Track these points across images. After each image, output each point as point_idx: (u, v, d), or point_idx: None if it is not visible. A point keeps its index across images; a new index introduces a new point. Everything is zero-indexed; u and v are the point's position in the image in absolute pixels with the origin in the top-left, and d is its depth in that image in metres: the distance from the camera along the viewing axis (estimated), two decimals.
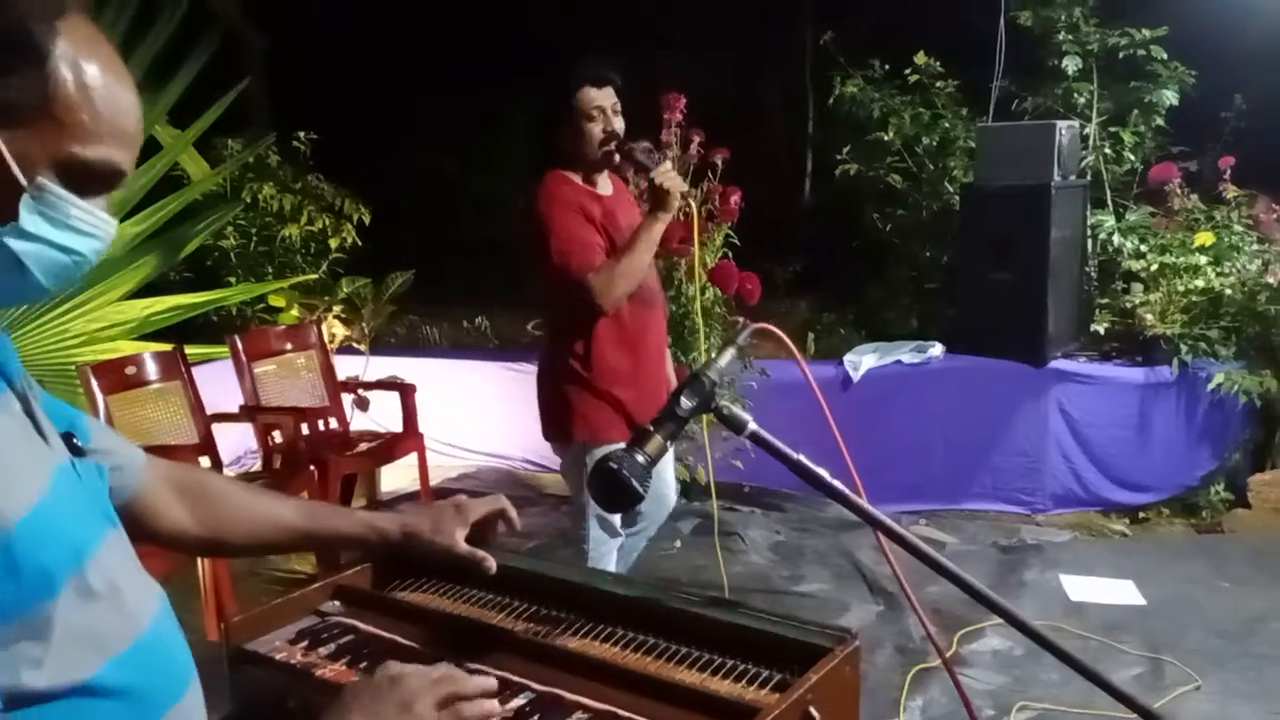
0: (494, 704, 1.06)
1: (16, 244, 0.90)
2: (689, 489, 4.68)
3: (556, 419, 2.92)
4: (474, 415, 5.41)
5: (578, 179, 2.85)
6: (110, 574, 0.97)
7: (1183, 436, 4.79)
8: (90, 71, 0.90)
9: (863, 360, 4.85)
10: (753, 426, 1.30)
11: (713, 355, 1.35)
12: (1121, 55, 5.34)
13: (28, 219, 0.89)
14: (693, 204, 2.95)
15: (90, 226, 0.93)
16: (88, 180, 0.92)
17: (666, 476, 3.17)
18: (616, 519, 2.92)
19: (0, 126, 0.87)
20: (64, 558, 0.92)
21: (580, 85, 2.79)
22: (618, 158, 2.81)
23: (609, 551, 2.95)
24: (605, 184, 2.92)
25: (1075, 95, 5.45)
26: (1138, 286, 5.02)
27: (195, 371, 4.15)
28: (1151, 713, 1.30)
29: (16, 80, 0.87)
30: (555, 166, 2.85)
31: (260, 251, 6.01)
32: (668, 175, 2.72)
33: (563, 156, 2.85)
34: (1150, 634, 3.44)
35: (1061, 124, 4.83)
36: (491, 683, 1.06)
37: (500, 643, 1.28)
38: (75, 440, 1.06)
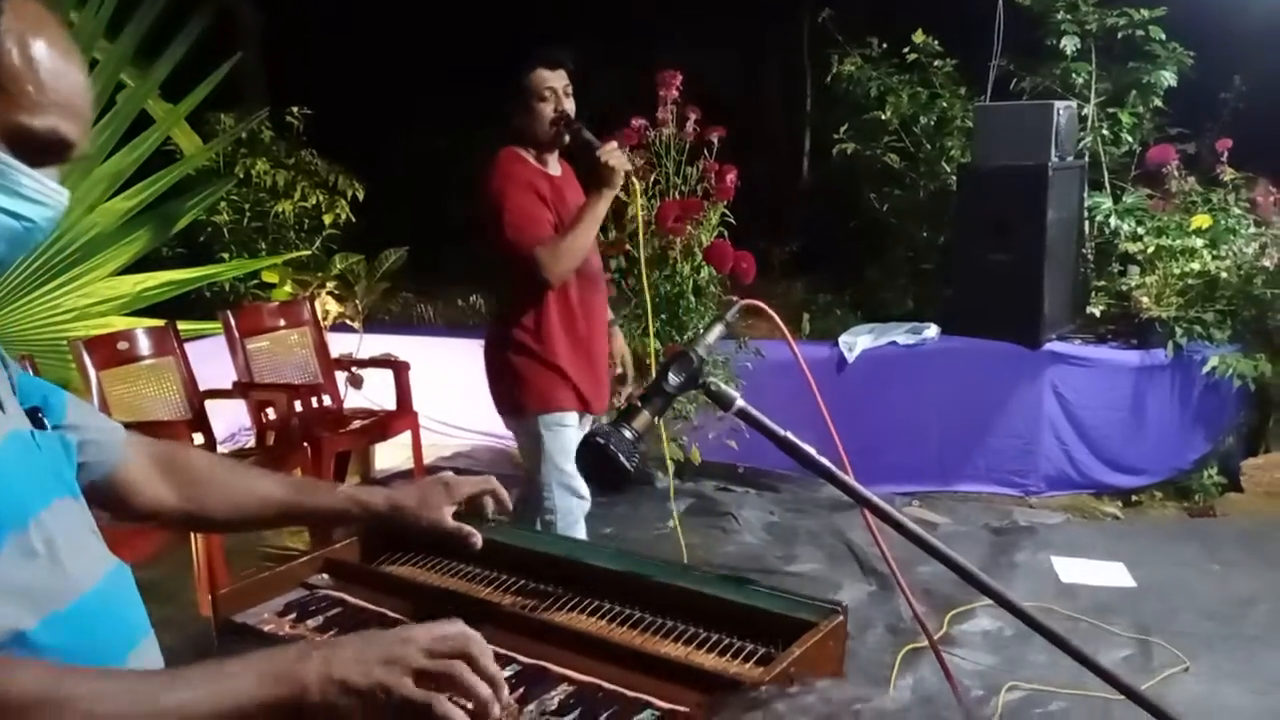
0: (490, 691, 0.97)
1: None
2: (682, 469, 4.69)
3: (508, 391, 3.03)
4: (468, 394, 5.36)
5: (530, 157, 2.95)
6: (53, 537, 1.00)
7: (1177, 420, 4.80)
8: (36, 46, 0.94)
9: (858, 341, 4.85)
10: (740, 403, 1.29)
11: (700, 331, 1.34)
12: (1120, 35, 5.31)
13: None
14: (635, 182, 3.01)
15: (41, 195, 0.97)
16: (37, 150, 0.96)
17: None
18: (580, 482, 2.97)
19: None
20: (6, 513, 0.96)
21: (534, 67, 2.90)
22: (567, 137, 2.89)
23: (578, 520, 3.00)
24: (555, 165, 3.02)
25: (1073, 75, 5.43)
26: (1134, 269, 5.02)
27: (188, 347, 4.15)
28: (1138, 694, 1.30)
29: None
30: (510, 144, 2.95)
31: (253, 227, 6.00)
32: (613, 154, 2.80)
33: (518, 135, 2.95)
34: (1140, 616, 3.45)
35: (1059, 104, 4.81)
36: (486, 691, 0.97)
37: (487, 615, 1.27)
38: (41, 415, 1.10)
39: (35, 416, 1.09)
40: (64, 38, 0.98)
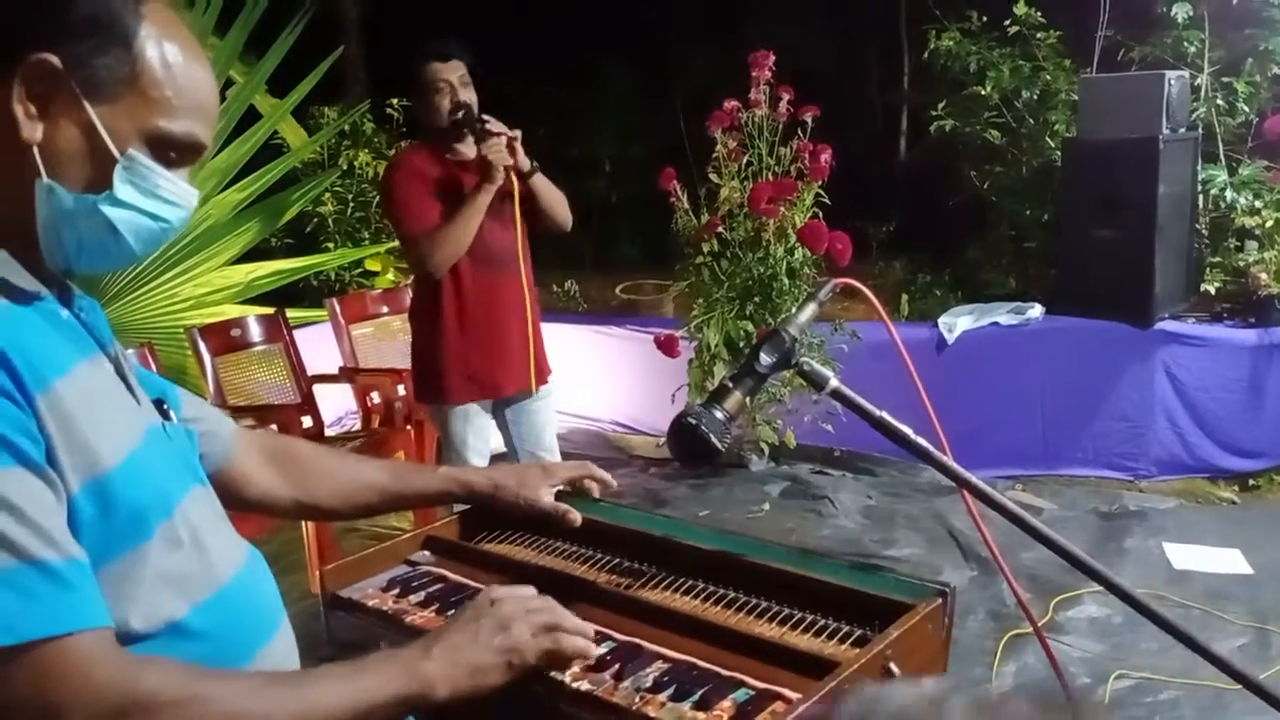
0: (590, 644, 1.10)
1: (111, 211, 0.98)
2: (777, 452, 4.67)
3: (415, 379, 3.18)
4: (563, 377, 5.45)
5: (433, 150, 3.02)
6: (195, 525, 1.04)
7: None
8: (171, 51, 0.98)
9: (958, 322, 4.75)
10: (835, 383, 1.28)
11: (793, 310, 1.33)
12: (1235, 1, 5.06)
13: (120, 187, 0.97)
14: (515, 180, 3.01)
15: (175, 196, 1.01)
16: (172, 152, 1.00)
17: (548, 443, 3.27)
18: None
19: (94, 102, 0.95)
20: (155, 503, 0.99)
21: (426, 61, 2.96)
22: (465, 129, 2.95)
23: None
24: (470, 152, 3.04)
25: (1185, 44, 5.20)
26: (1251, 244, 4.81)
27: (296, 334, 4.28)
28: (1255, 683, 1.25)
29: (107, 60, 0.95)
30: (418, 138, 3.08)
31: (357, 217, 6.15)
32: (492, 148, 2.88)
33: (424, 129, 3.06)
34: (1257, 603, 3.32)
35: (1170, 74, 4.62)
36: (589, 628, 1.11)
37: (583, 593, 1.30)
38: (165, 406, 1.14)
39: (160, 409, 1.13)
40: (194, 40, 1.02)
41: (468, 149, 3.05)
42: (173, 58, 0.98)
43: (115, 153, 0.96)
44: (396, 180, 2.99)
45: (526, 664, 1.04)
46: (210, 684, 0.92)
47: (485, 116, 2.94)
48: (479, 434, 3.13)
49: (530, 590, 1.11)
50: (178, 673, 0.92)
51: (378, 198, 6.01)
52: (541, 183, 3.08)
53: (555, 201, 3.13)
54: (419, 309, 3.13)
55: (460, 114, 2.93)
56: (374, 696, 0.97)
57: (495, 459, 3.30)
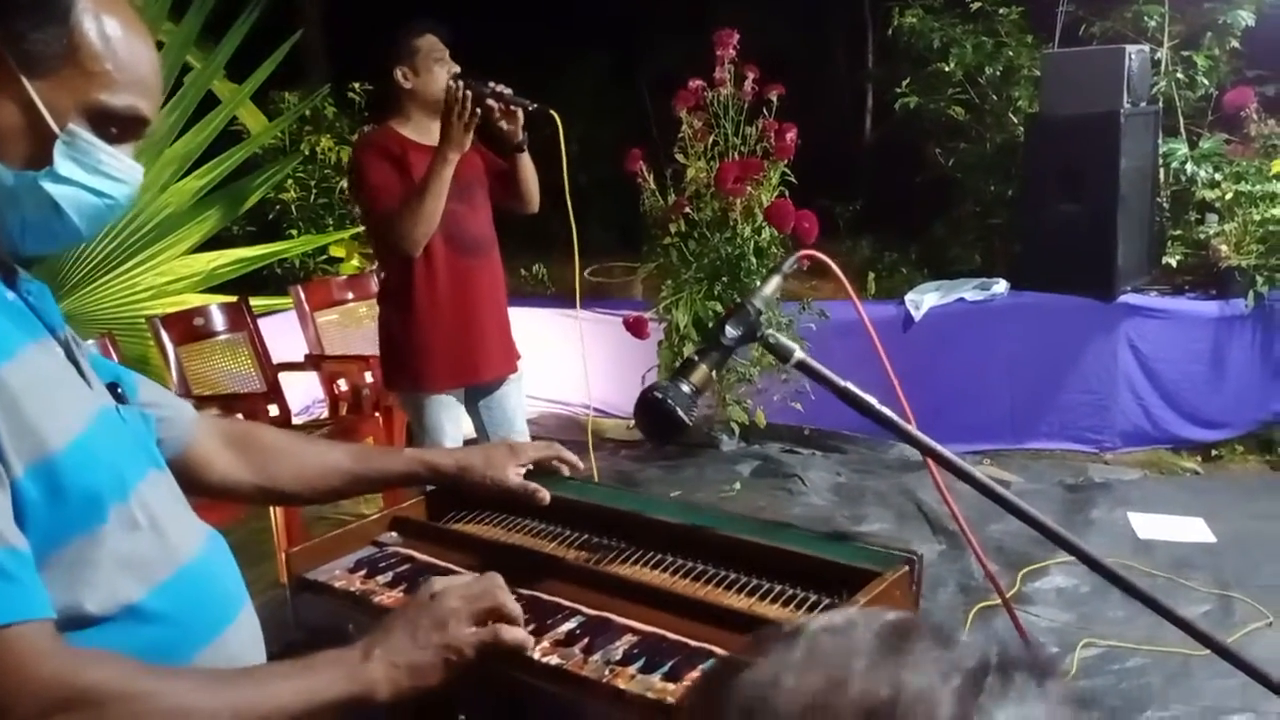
0: (527, 636, 1.08)
1: (52, 187, 0.96)
2: (747, 431, 4.68)
3: (387, 366, 3.11)
4: (532, 362, 5.42)
5: (405, 131, 2.97)
6: (152, 508, 1.03)
7: (1258, 371, 4.65)
8: (110, 24, 0.97)
9: (924, 299, 4.78)
10: (799, 355, 1.28)
11: (758, 284, 1.33)
12: None
13: (61, 164, 0.95)
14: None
15: (119, 171, 1.00)
16: (114, 127, 0.98)
17: (520, 427, 3.26)
18: None
19: (32, 78, 0.93)
20: (108, 486, 0.98)
21: (423, 32, 2.93)
22: (468, 93, 2.79)
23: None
24: (435, 134, 2.92)
25: (1146, 19, 5.24)
26: (1212, 217, 4.85)
27: (260, 322, 4.24)
28: (1221, 645, 1.27)
29: (43, 34, 0.93)
30: (388, 120, 3.00)
31: (320, 203, 6.08)
32: (508, 116, 2.86)
33: (398, 107, 2.99)
34: (1220, 571, 3.37)
35: (1131, 49, 4.65)
36: (520, 614, 1.09)
37: (552, 569, 1.29)
38: (119, 389, 1.12)
39: (115, 392, 1.11)
40: (134, 15, 1.00)
41: (436, 129, 2.96)
42: (111, 31, 0.96)
43: (55, 128, 0.94)
44: (365, 160, 2.91)
45: (466, 659, 1.03)
46: (155, 680, 0.91)
47: (497, 85, 2.85)
48: (454, 421, 3.08)
49: (468, 576, 1.10)
50: (122, 667, 0.90)
51: (343, 183, 5.96)
52: (525, 160, 3.03)
53: (532, 180, 3.09)
54: (390, 294, 3.06)
55: (472, 81, 2.82)
56: (318, 697, 0.97)
57: (466, 444, 3.28)
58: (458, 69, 2.90)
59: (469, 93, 2.76)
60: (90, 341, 1.07)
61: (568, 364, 5.05)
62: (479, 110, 2.77)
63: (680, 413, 1.22)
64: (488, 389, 3.15)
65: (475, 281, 3.03)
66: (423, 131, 2.97)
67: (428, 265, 2.93)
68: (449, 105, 2.76)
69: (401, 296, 2.98)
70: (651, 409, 1.23)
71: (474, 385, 3.11)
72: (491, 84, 2.84)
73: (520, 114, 2.91)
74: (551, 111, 2.87)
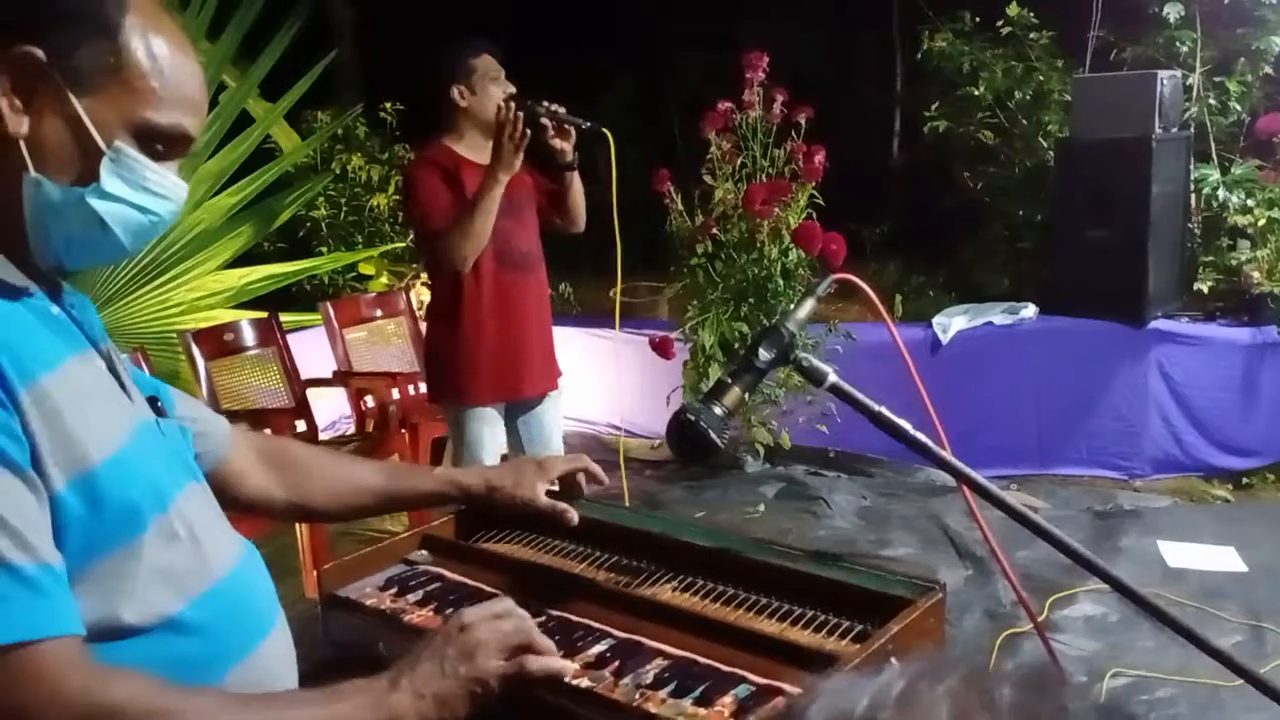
0: (561, 664, 1.07)
1: (98, 204, 0.97)
2: (772, 453, 4.66)
3: (431, 378, 3.14)
4: (562, 380, 5.45)
5: (459, 148, 3.00)
6: (190, 521, 1.03)
7: None
8: (157, 42, 0.97)
9: (952, 322, 4.75)
10: (833, 378, 1.28)
11: (791, 307, 1.33)
12: (1227, 1, 5.08)
13: (108, 180, 0.96)
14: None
15: (164, 189, 1.00)
16: (160, 144, 0.99)
17: (556, 445, 3.29)
18: None
19: (79, 94, 0.94)
20: (147, 498, 0.98)
21: (479, 51, 2.97)
22: (520, 114, 2.83)
23: None
24: (488, 153, 2.96)
25: (1178, 44, 5.21)
26: (1244, 243, 4.81)
27: (290, 338, 4.28)
28: (1256, 676, 1.25)
29: (91, 51, 0.94)
30: (441, 137, 3.02)
31: (350, 221, 6.14)
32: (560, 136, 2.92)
33: (452, 124, 3.02)
34: (1252, 601, 3.32)
35: (1163, 74, 4.63)
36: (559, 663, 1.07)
37: (582, 591, 1.29)
38: (159, 403, 1.13)
39: (154, 405, 1.12)
40: (180, 32, 1.01)
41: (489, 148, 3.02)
42: (158, 49, 0.97)
43: (102, 145, 0.95)
44: (419, 177, 2.95)
45: (492, 692, 1.02)
46: (179, 699, 0.91)
47: (551, 104, 2.90)
48: (494, 436, 3.11)
49: (501, 607, 1.08)
50: (147, 686, 0.90)
51: (373, 201, 6.02)
52: (575, 179, 3.07)
53: (580, 199, 3.13)
54: (439, 308, 3.09)
55: (526, 101, 2.88)
56: None
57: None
58: (513, 89, 2.95)
59: (520, 113, 2.81)
60: (124, 355, 1.09)
61: (594, 383, 5.07)
62: (529, 130, 2.81)
63: (713, 435, 1.22)
64: (528, 405, 3.17)
65: (522, 297, 3.07)
66: (476, 149, 3.01)
67: (476, 280, 2.97)
68: (500, 126, 2.80)
69: (449, 310, 3.02)
70: (684, 431, 1.23)
71: (516, 400, 3.13)
72: (545, 103, 2.88)
73: (573, 133, 2.94)
74: (604, 131, 2.90)
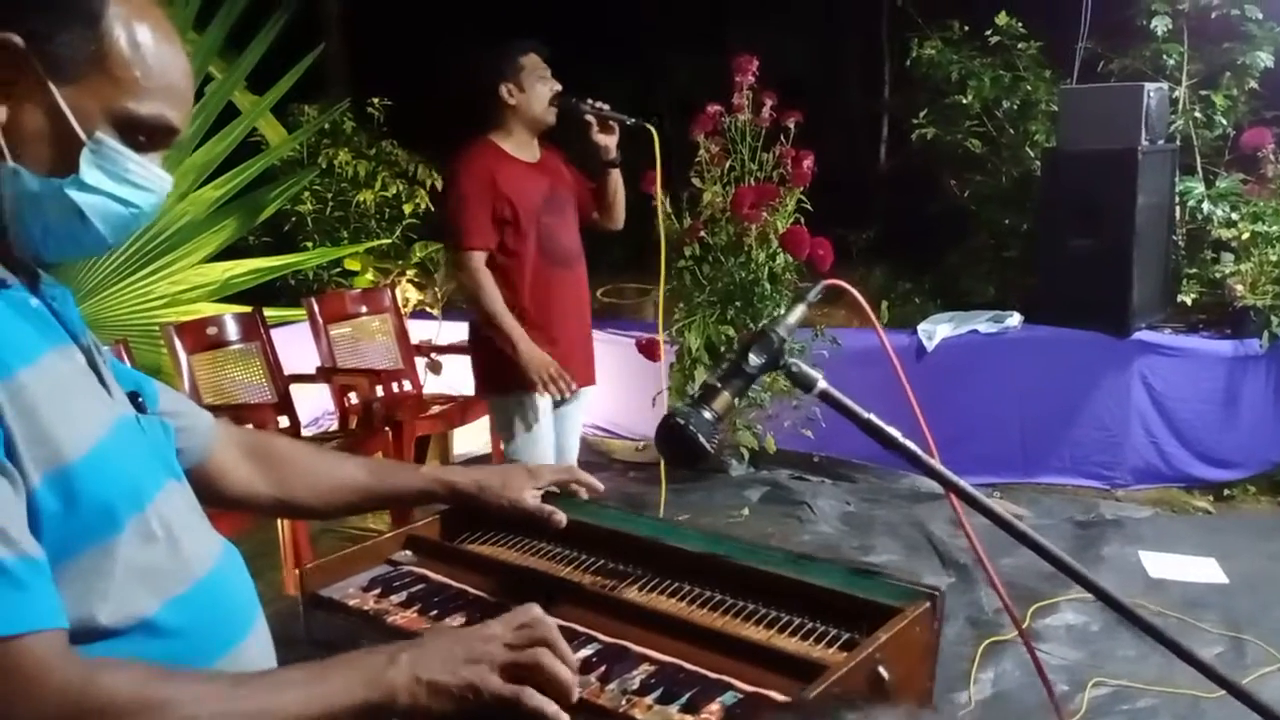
0: (556, 709, 0.99)
1: (78, 195, 0.94)
2: (757, 457, 4.66)
3: (478, 372, 3.20)
4: None
5: (505, 145, 3.02)
6: (169, 520, 1.01)
7: (1271, 411, 4.62)
8: (141, 31, 0.95)
9: (937, 329, 4.77)
10: (823, 385, 1.27)
11: (780, 312, 1.32)
12: (1214, 15, 5.11)
13: (87, 171, 0.94)
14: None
15: (146, 180, 0.98)
16: (142, 135, 0.97)
17: (573, 443, 3.33)
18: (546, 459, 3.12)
19: (59, 83, 0.92)
20: (124, 496, 0.96)
21: (528, 49, 3.01)
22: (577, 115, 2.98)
23: None
24: (534, 150, 3.07)
25: (1164, 57, 5.24)
26: (1228, 256, 4.84)
27: (274, 333, 4.24)
28: (1237, 686, 1.25)
29: (72, 38, 0.92)
30: (489, 134, 3.03)
31: (336, 216, 6.10)
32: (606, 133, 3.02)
33: (499, 121, 3.03)
34: (1232, 613, 3.34)
35: (1150, 86, 4.66)
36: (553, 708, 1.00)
37: (568, 594, 1.28)
38: (140, 399, 1.11)
39: (135, 401, 1.10)
40: (166, 21, 0.98)
41: (534, 145, 3.08)
42: (143, 38, 0.94)
43: (82, 135, 0.93)
44: (466, 192, 2.97)
45: (481, 704, 0.98)
46: (168, 688, 0.89)
47: (596, 101, 2.96)
48: (552, 427, 3.14)
49: (528, 616, 1.04)
50: (135, 676, 0.88)
51: (359, 196, 5.98)
52: (616, 176, 3.11)
53: (621, 197, 3.16)
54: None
55: (571, 98, 2.94)
56: (336, 702, 0.94)
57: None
58: (559, 87, 2.98)
59: (579, 114, 2.95)
60: (105, 347, 1.06)
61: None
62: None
63: (703, 440, 1.21)
64: (564, 399, 3.16)
65: (564, 292, 3.10)
66: (521, 146, 3.04)
67: (520, 275, 3.00)
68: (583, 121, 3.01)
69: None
70: (674, 436, 1.22)
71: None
72: (590, 100, 2.94)
73: (616, 129, 2.96)
74: (648, 126, 2.93)
